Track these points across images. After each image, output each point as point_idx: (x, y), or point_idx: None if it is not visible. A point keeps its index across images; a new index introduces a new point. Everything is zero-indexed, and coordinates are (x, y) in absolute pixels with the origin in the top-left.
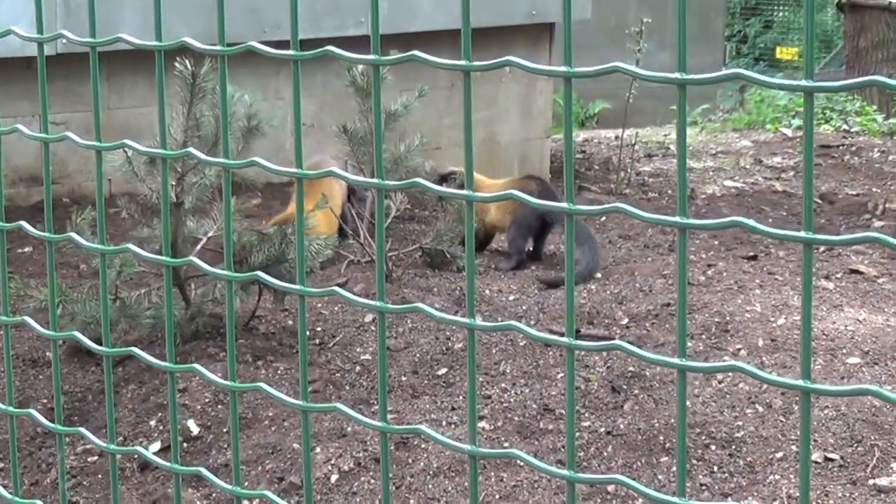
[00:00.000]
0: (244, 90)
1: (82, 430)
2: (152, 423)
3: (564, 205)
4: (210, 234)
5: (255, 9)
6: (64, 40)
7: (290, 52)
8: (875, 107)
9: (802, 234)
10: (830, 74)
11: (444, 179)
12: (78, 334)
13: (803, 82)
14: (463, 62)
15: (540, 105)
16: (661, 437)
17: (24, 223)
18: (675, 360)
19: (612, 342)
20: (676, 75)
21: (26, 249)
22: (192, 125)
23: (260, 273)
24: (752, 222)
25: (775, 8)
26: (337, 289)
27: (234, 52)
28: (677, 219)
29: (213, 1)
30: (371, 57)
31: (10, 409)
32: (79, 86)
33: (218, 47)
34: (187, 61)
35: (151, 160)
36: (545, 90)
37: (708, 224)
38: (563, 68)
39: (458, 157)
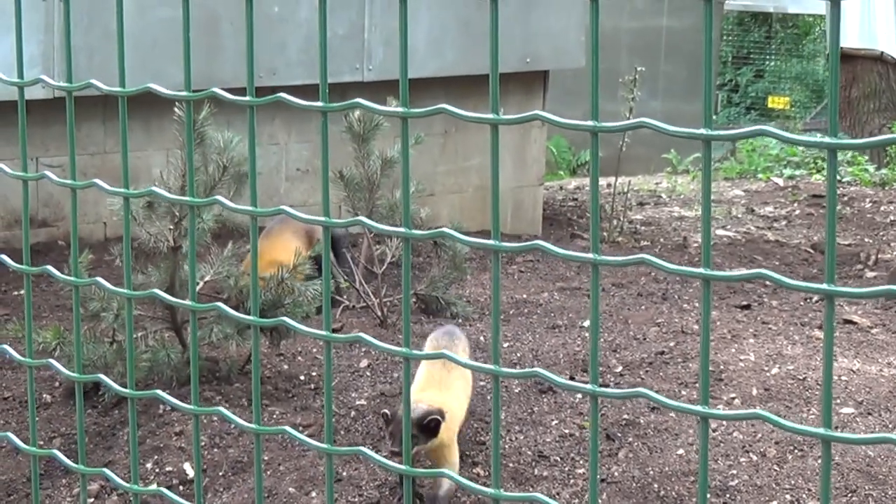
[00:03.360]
0: (240, 135)
1: (106, 470)
2: (148, 465)
3: (590, 256)
4: (206, 279)
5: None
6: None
7: (319, 103)
8: (867, 157)
9: (825, 286)
10: (822, 124)
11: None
12: (102, 377)
13: (827, 139)
14: (491, 115)
15: (534, 153)
16: (656, 485)
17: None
18: (699, 408)
19: (636, 390)
20: (702, 131)
21: (23, 292)
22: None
23: (286, 319)
24: (774, 274)
25: (766, 57)
26: (363, 335)
27: (229, 99)
28: (702, 270)
29: (207, 46)
30: (399, 109)
31: (34, 449)
32: (77, 130)
33: (184, 93)
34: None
35: (149, 205)
36: (538, 138)
37: (733, 276)
38: (590, 123)
39: (452, 202)
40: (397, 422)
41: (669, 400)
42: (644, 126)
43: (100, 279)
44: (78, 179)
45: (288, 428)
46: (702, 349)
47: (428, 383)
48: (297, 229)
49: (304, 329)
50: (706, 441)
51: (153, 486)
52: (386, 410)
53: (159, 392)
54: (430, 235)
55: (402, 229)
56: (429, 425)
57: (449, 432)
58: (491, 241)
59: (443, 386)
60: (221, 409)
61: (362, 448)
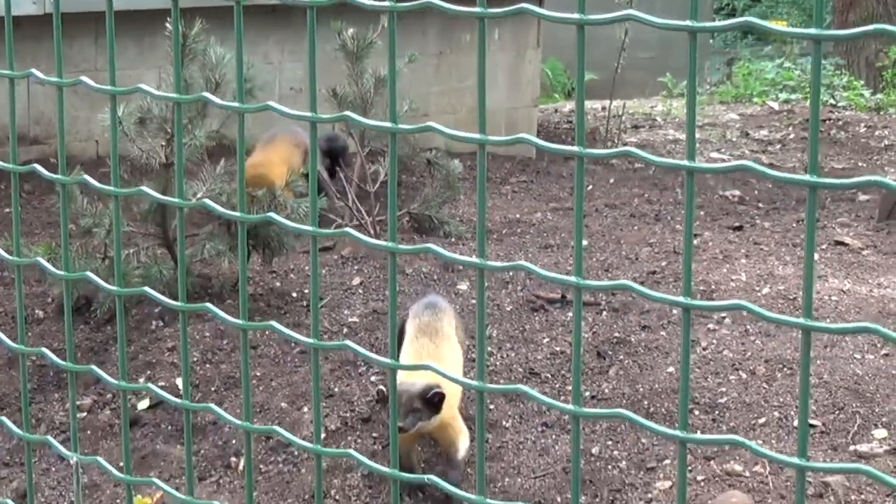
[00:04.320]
0: (232, 51)
1: (94, 367)
2: (141, 380)
3: (575, 149)
4: (199, 196)
5: None
6: None
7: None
8: (863, 82)
9: (807, 177)
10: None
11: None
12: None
13: (812, 30)
14: (478, 9)
15: (528, 74)
16: (646, 402)
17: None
18: (681, 299)
19: (621, 282)
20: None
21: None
22: (182, 87)
23: (272, 216)
24: (757, 166)
25: None
26: (349, 230)
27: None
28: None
29: None
30: (386, 3)
31: (22, 347)
32: (68, 47)
33: None
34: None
35: (141, 121)
36: (533, 60)
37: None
38: (576, 15)
39: (446, 123)
40: (398, 391)
41: (654, 293)
42: (631, 19)
43: (86, 177)
44: (69, 97)
45: (274, 323)
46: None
47: (415, 358)
48: (299, 142)
49: (292, 224)
50: (688, 332)
51: (144, 402)
52: (381, 388)
53: (209, 306)
54: (415, 130)
55: (387, 124)
56: (432, 399)
57: (450, 409)
58: (478, 136)
59: (434, 361)
60: (209, 305)
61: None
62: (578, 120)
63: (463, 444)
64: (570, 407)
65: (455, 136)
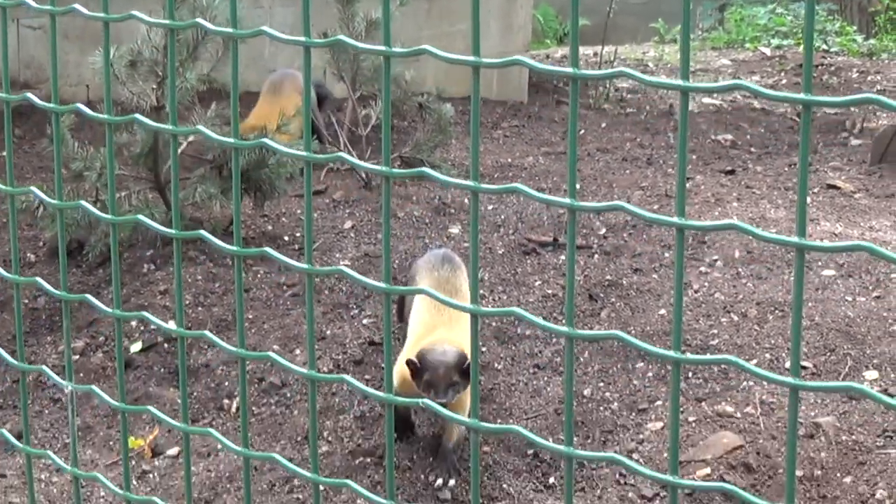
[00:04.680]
0: None
1: (89, 297)
2: (133, 323)
3: (569, 70)
4: (190, 139)
5: None
6: None
7: None
8: (855, 27)
9: (802, 95)
10: None
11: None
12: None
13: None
14: None
15: (520, 20)
16: None
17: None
18: (675, 220)
19: (614, 203)
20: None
21: (2, 154)
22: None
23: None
24: (750, 84)
25: None
26: (343, 155)
27: None
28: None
29: None
30: None
31: (16, 277)
32: None
33: None
34: None
35: (132, 63)
36: (525, 4)
37: (709, 87)
38: None
39: (437, 67)
40: (433, 368)
41: (647, 213)
42: None
43: (79, 105)
44: (58, 41)
45: (268, 249)
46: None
47: (434, 318)
48: (300, 88)
49: (288, 151)
50: (681, 251)
51: (137, 345)
52: (412, 358)
53: (204, 233)
54: (408, 53)
55: (381, 47)
56: (467, 368)
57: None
58: (472, 58)
59: (452, 321)
60: (203, 232)
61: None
62: (573, 39)
63: (467, 409)
64: (563, 329)
65: (449, 59)
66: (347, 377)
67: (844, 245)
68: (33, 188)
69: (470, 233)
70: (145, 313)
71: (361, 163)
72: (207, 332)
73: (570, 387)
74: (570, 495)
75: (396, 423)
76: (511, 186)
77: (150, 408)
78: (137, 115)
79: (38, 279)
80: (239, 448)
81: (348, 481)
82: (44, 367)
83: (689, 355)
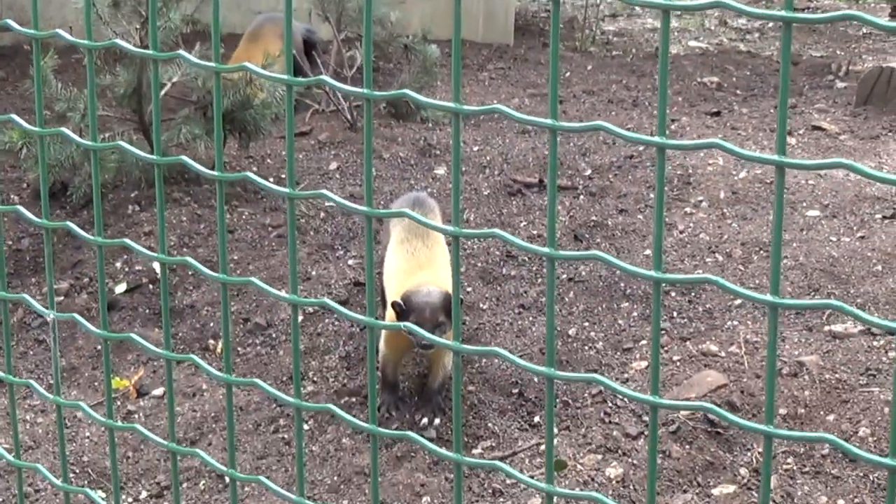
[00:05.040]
0: None
1: (70, 224)
2: (118, 264)
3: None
4: (174, 80)
5: None
6: None
7: None
8: None
9: (783, 13)
10: None
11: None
12: (186, 158)
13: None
14: None
15: None
16: (622, 284)
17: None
18: (656, 139)
19: (594, 123)
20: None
21: None
22: None
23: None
24: (733, 3)
25: None
26: (326, 80)
27: None
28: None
29: None
30: None
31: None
32: None
33: None
34: None
35: (115, 3)
36: None
37: (691, 7)
38: None
39: (423, 10)
40: (419, 309)
41: (627, 132)
42: None
43: (59, 31)
44: None
45: (250, 174)
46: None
47: (412, 263)
48: (281, 33)
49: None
50: (662, 170)
51: (121, 286)
52: (397, 300)
53: (185, 159)
54: None
55: None
56: (449, 311)
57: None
58: None
59: (432, 264)
60: (184, 158)
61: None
62: None
63: (451, 362)
64: (545, 249)
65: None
66: (327, 300)
67: (824, 162)
68: (13, 115)
69: (452, 163)
70: (127, 240)
71: (344, 86)
72: (190, 259)
73: (551, 309)
74: (550, 415)
75: (381, 386)
76: (493, 108)
77: (133, 335)
78: (118, 41)
79: (20, 207)
80: (223, 375)
81: (330, 406)
82: (25, 295)
83: (669, 275)
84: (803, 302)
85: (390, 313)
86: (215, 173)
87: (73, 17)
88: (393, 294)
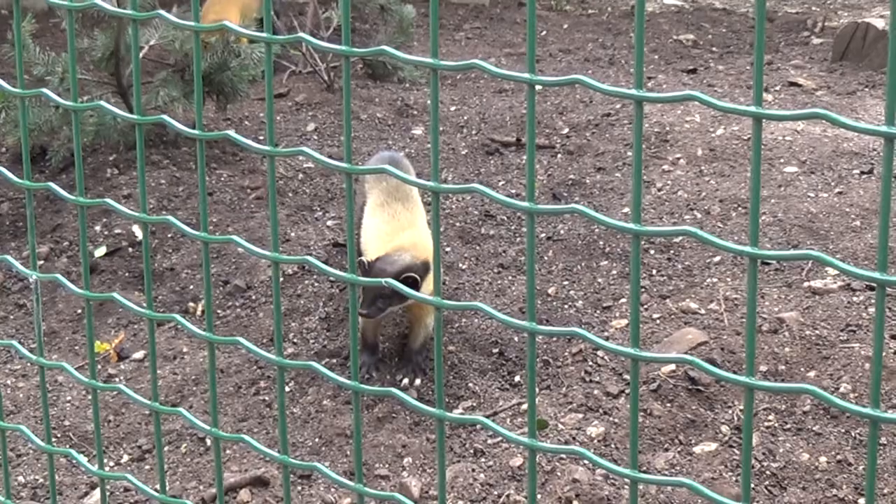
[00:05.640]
0: None
1: (52, 185)
2: (97, 228)
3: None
4: (151, 43)
5: None
6: None
7: None
8: None
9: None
10: None
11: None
12: (167, 118)
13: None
14: None
15: None
16: (601, 243)
17: None
18: (633, 92)
19: (572, 76)
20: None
21: None
22: None
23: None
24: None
25: None
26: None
27: None
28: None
29: None
30: None
31: None
32: None
33: None
34: None
35: None
36: None
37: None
38: None
39: None
40: (374, 274)
41: (606, 86)
42: None
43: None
44: None
45: (230, 133)
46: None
47: (393, 225)
48: None
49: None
50: (640, 123)
51: (101, 249)
52: (363, 258)
53: (165, 118)
54: None
55: None
56: (405, 282)
57: (427, 285)
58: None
59: (413, 225)
60: (164, 116)
61: (314, 364)
62: None
63: (431, 323)
64: (524, 204)
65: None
66: (309, 258)
67: (801, 113)
68: None
69: (430, 120)
70: (109, 200)
71: (322, 43)
72: (171, 218)
73: (531, 265)
74: (532, 371)
75: (361, 347)
76: (470, 63)
77: (115, 294)
78: (98, 1)
79: (2, 169)
80: (205, 333)
81: (313, 364)
82: (7, 256)
83: (648, 228)
84: (783, 253)
85: None
86: (196, 132)
87: None
88: (374, 257)
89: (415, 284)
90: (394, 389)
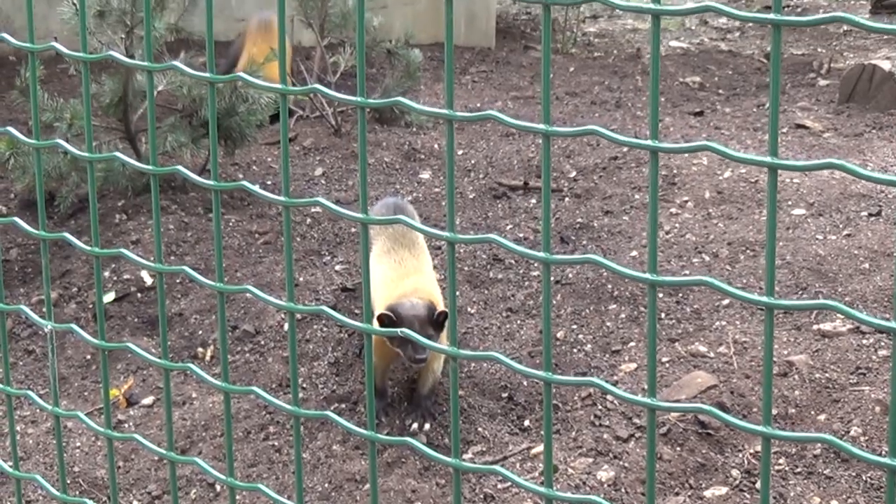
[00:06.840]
0: None
1: (67, 235)
2: (106, 273)
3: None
4: (160, 88)
5: None
6: None
7: None
8: None
9: (771, 16)
10: None
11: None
12: (182, 168)
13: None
14: None
15: None
16: (610, 286)
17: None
18: (648, 143)
19: (587, 127)
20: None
21: None
22: None
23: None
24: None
25: None
26: (319, 87)
27: None
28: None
29: None
30: None
31: None
32: None
33: None
34: None
35: (101, 13)
36: None
37: (681, 10)
38: None
39: (405, 14)
40: (407, 320)
41: (622, 137)
42: None
43: (55, 44)
44: None
45: (245, 183)
46: (652, 74)
47: (399, 272)
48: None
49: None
50: (656, 172)
51: (110, 295)
52: (385, 312)
53: (180, 167)
54: None
55: None
56: (438, 319)
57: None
58: None
59: (419, 272)
60: (180, 167)
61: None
62: None
63: (440, 367)
64: (540, 254)
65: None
66: (326, 309)
67: (816, 163)
68: (9, 128)
69: (446, 168)
70: (124, 250)
71: (338, 94)
72: (186, 268)
73: (547, 313)
74: (548, 419)
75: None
76: (487, 114)
77: (129, 344)
78: (113, 52)
79: (16, 219)
80: (220, 383)
81: (328, 413)
82: (22, 306)
83: (664, 277)
84: (799, 303)
85: (376, 325)
86: (211, 183)
87: (56, 28)
88: (381, 304)
89: (445, 319)
90: (409, 439)
